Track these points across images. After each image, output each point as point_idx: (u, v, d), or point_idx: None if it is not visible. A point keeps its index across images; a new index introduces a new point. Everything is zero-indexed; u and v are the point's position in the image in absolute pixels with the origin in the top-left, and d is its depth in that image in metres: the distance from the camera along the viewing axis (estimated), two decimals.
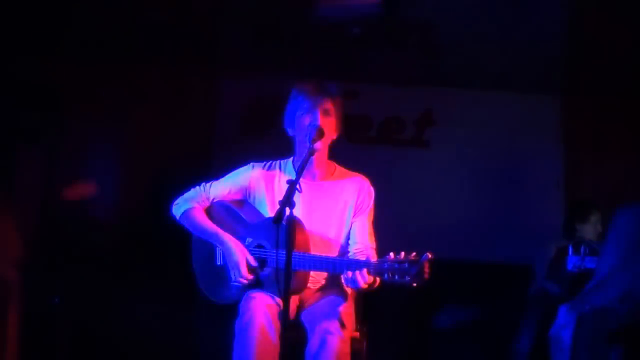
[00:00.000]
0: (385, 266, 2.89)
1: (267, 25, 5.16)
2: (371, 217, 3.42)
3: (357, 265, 3.01)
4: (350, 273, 3.00)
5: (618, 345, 3.51)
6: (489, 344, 5.44)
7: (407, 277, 2.83)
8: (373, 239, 3.40)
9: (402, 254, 2.87)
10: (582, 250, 4.56)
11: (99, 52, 5.41)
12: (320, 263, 3.11)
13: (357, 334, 3.35)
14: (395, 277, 2.86)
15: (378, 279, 3.02)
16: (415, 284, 2.82)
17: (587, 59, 5.43)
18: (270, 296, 3.20)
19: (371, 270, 2.95)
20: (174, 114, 5.75)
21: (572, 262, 4.55)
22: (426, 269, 2.81)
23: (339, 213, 3.37)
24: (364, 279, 2.97)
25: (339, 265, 3.08)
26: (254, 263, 3.26)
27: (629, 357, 3.48)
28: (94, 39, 5.26)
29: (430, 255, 2.81)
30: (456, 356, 5.49)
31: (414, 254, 2.84)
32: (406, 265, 2.83)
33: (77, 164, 5.59)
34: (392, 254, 2.89)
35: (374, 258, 3.22)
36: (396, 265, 2.86)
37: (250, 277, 3.24)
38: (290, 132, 3.39)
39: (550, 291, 4.81)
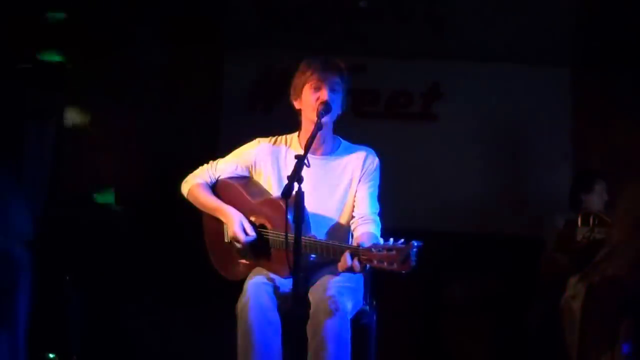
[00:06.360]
0: (373, 253, 2.90)
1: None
2: (376, 184, 3.42)
3: (347, 251, 3.00)
4: (343, 261, 2.99)
5: (628, 316, 3.51)
6: (499, 316, 5.47)
7: (394, 264, 2.83)
8: (376, 205, 3.39)
9: (391, 240, 2.86)
10: (591, 221, 4.56)
11: (104, 29, 5.40)
12: (312, 247, 3.10)
13: (367, 307, 3.37)
14: (383, 263, 2.86)
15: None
16: (403, 271, 2.83)
17: (596, 30, 5.39)
18: (270, 275, 3.22)
19: (360, 257, 2.95)
20: (181, 91, 5.75)
21: (582, 233, 4.55)
22: (414, 256, 2.80)
23: (343, 188, 3.38)
24: (357, 267, 2.98)
25: (332, 250, 3.07)
26: (249, 228, 3.28)
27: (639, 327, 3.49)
28: (99, 15, 5.24)
29: (416, 243, 2.80)
30: (467, 329, 5.51)
31: (402, 240, 2.84)
32: (393, 252, 2.84)
33: (85, 142, 5.60)
34: (381, 240, 2.91)
35: (374, 226, 3.27)
36: (384, 253, 2.86)
37: (249, 238, 3.26)
38: (297, 105, 3.40)
39: (559, 262, 4.81)
